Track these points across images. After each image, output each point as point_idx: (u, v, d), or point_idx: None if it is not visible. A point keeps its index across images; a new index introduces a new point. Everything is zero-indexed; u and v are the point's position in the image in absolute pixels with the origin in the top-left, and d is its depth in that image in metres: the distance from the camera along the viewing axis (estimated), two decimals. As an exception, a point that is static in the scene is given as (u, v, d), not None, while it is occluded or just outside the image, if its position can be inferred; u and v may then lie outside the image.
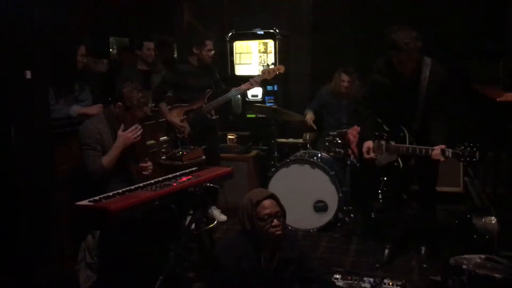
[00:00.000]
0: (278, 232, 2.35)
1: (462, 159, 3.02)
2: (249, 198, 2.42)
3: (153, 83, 4.66)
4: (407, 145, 3.29)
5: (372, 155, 3.42)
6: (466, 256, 2.35)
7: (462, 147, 3.02)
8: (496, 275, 1.84)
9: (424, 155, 3.17)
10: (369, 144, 3.44)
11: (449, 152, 3.07)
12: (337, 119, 4.92)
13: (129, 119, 3.22)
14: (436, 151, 3.10)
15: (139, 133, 3.20)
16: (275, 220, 2.35)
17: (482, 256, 2.32)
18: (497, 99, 3.25)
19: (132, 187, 2.96)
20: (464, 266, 2.12)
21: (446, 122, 3.25)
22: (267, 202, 2.39)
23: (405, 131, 3.33)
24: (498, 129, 3.66)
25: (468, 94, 4.64)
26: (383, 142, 3.41)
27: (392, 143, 3.37)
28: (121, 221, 2.69)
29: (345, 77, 4.79)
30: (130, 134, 3.16)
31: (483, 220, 3.20)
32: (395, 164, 3.38)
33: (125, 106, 3.16)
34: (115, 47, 5.93)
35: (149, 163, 3.35)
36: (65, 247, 3.25)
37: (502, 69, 3.74)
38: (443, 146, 3.10)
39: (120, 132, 3.17)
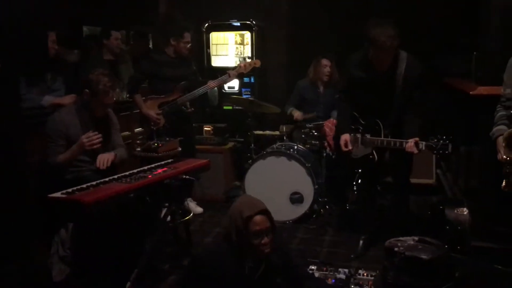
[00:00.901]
0: (267, 250, 2.29)
1: (435, 152, 3.07)
2: (240, 210, 2.29)
3: (121, 74, 4.57)
4: (382, 138, 3.33)
5: (349, 147, 3.44)
6: (401, 238, 2.43)
7: (435, 140, 3.07)
8: (423, 256, 1.89)
9: (399, 147, 3.22)
10: (346, 137, 3.47)
11: (422, 145, 3.12)
12: (316, 110, 4.92)
13: (97, 107, 3.16)
14: (410, 143, 3.14)
15: (95, 141, 3.08)
16: (265, 238, 2.27)
17: (416, 238, 2.39)
18: (470, 93, 3.31)
19: (107, 179, 2.91)
20: (395, 249, 2.18)
21: (420, 115, 3.30)
22: (258, 218, 2.27)
23: (380, 124, 3.37)
24: (470, 123, 3.72)
25: (442, 88, 4.72)
26: (359, 135, 3.44)
27: (368, 136, 3.40)
28: (95, 213, 2.64)
29: (326, 61, 4.76)
30: (85, 139, 3.05)
31: (456, 211, 3.27)
32: (370, 157, 3.42)
33: (92, 92, 3.09)
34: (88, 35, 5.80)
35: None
36: (37, 240, 3.18)
37: (474, 63, 3.80)
38: (417, 139, 3.15)
39: (82, 137, 3.09)
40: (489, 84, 3.20)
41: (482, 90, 3.24)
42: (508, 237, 3.10)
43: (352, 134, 3.46)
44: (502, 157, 2.53)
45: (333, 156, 4.41)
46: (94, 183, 2.82)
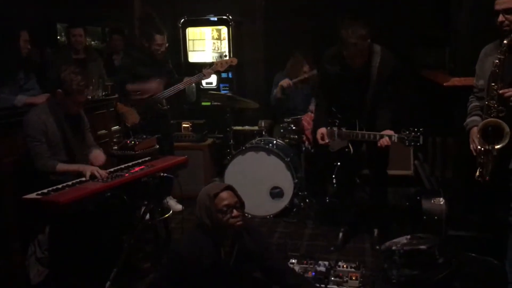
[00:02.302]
0: (238, 223, 2.33)
1: (407, 143, 3.11)
2: (206, 192, 2.37)
3: (90, 72, 4.49)
4: (357, 131, 3.36)
5: (326, 140, 3.47)
6: (394, 240, 2.47)
7: (407, 132, 3.10)
8: (421, 247, 1.94)
9: (373, 140, 3.25)
10: (322, 130, 3.49)
11: (394, 137, 3.16)
12: (294, 105, 4.93)
13: (71, 106, 3.11)
14: (384, 140, 3.19)
15: (97, 175, 2.95)
16: (235, 211, 2.32)
17: (408, 236, 2.45)
18: (444, 84, 3.36)
19: (83, 179, 2.88)
20: (393, 247, 2.23)
21: (393, 108, 3.33)
22: (224, 194, 2.34)
23: (356, 118, 3.40)
24: (445, 114, 3.78)
25: (416, 80, 4.78)
26: (335, 129, 3.47)
27: (344, 129, 3.43)
28: (71, 213, 2.62)
29: (304, 63, 4.76)
30: (96, 173, 2.94)
31: (432, 201, 3.32)
32: (346, 149, 3.46)
33: (65, 92, 3.03)
34: (63, 34, 5.70)
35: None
36: (13, 242, 3.12)
37: (448, 55, 3.86)
38: (389, 132, 3.18)
39: (94, 168, 3.01)
40: (463, 76, 3.25)
41: (455, 81, 3.29)
42: (482, 225, 3.17)
43: (328, 128, 3.49)
44: (475, 148, 2.58)
45: (312, 150, 4.44)
46: (70, 183, 2.80)
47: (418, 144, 3.06)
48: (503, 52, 2.43)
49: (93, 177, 2.91)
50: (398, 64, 3.35)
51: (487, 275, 2.20)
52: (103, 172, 2.96)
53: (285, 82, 4.73)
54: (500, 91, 2.45)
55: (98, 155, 3.21)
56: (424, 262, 1.47)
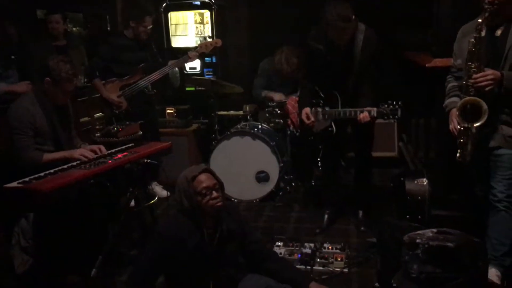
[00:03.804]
0: (218, 204, 2.34)
1: (385, 117, 3.11)
2: (184, 175, 2.38)
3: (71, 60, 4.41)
4: (339, 109, 3.36)
5: (311, 119, 3.48)
6: (419, 232, 2.42)
7: (386, 105, 3.11)
8: (448, 244, 1.89)
9: (354, 117, 3.26)
10: (306, 110, 3.50)
11: (374, 111, 3.16)
12: (278, 89, 4.90)
13: (59, 95, 3.07)
14: (363, 114, 3.20)
15: (90, 157, 2.97)
16: (214, 193, 2.34)
17: (434, 230, 2.39)
18: (426, 65, 3.37)
19: (65, 166, 2.85)
20: (418, 241, 2.17)
21: (375, 87, 3.33)
22: (203, 176, 2.36)
23: (338, 96, 3.40)
24: (428, 96, 3.80)
25: (400, 62, 4.78)
26: (319, 109, 3.47)
27: (327, 108, 3.44)
28: (54, 202, 2.59)
29: (292, 58, 4.71)
30: (87, 154, 2.97)
31: (416, 182, 3.34)
32: (329, 129, 3.46)
33: (54, 80, 2.99)
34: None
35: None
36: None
37: (430, 37, 3.86)
38: (369, 108, 3.20)
39: (82, 149, 3.02)
40: (445, 57, 3.26)
41: (437, 62, 3.30)
42: (464, 205, 3.22)
43: (313, 109, 3.49)
44: (454, 127, 2.60)
45: (297, 134, 4.44)
46: (52, 170, 2.76)
47: (397, 117, 3.06)
48: (478, 30, 2.44)
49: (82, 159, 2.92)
50: (381, 43, 3.34)
51: (468, 252, 2.23)
52: (92, 154, 2.96)
53: (279, 96, 4.68)
54: (471, 81, 2.46)
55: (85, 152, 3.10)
56: (449, 262, 1.44)
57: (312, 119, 3.49)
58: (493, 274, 2.58)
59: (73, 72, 3.03)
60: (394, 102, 3.10)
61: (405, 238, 2.35)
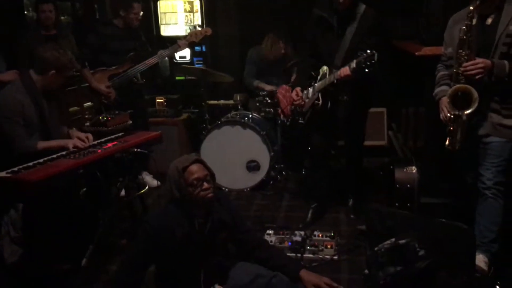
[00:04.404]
0: (209, 195, 2.33)
1: (363, 65, 3.01)
2: (175, 166, 2.35)
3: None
4: (326, 77, 3.34)
5: (300, 95, 3.48)
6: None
7: (363, 54, 3.02)
8: (400, 241, 1.85)
9: (337, 79, 3.20)
10: (297, 89, 3.52)
11: (353, 63, 3.08)
12: (268, 81, 4.89)
13: (56, 84, 3.03)
14: (342, 69, 3.14)
15: (86, 145, 2.99)
16: (205, 184, 2.32)
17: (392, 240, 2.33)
18: (416, 53, 3.37)
19: (54, 156, 2.83)
20: (376, 249, 2.09)
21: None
22: (194, 167, 2.33)
23: (327, 68, 3.38)
24: (417, 84, 3.81)
25: (389, 51, 4.78)
26: (310, 89, 3.47)
27: (316, 84, 3.44)
28: (43, 192, 2.58)
29: (280, 43, 4.69)
30: (79, 144, 2.96)
31: (405, 170, 3.37)
32: (316, 101, 3.43)
33: (57, 71, 2.95)
34: (30, 9, 5.50)
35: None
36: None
37: (421, 25, 3.87)
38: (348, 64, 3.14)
39: (76, 139, 3.01)
40: (435, 45, 3.27)
41: (427, 50, 3.31)
42: (453, 192, 3.25)
43: (304, 91, 3.50)
44: (445, 116, 2.61)
45: (288, 123, 4.43)
46: (41, 160, 2.74)
47: (373, 62, 2.97)
48: (470, 18, 2.44)
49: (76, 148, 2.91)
50: (379, 21, 3.32)
51: (457, 239, 2.27)
52: (85, 144, 2.95)
53: (271, 89, 4.66)
54: (461, 69, 2.47)
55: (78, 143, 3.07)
56: (406, 256, 1.47)
57: (301, 94, 3.49)
58: (481, 260, 2.62)
59: (73, 59, 3.02)
60: (370, 50, 2.99)
61: (367, 255, 2.33)
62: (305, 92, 3.50)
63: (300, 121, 3.67)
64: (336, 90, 3.33)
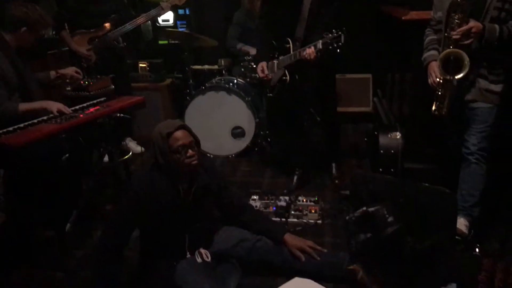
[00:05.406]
0: (194, 162, 2.30)
1: (330, 47, 2.96)
2: (159, 131, 2.30)
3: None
4: (290, 53, 3.31)
5: (265, 73, 3.45)
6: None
7: (329, 34, 2.97)
8: (369, 209, 1.86)
9: (303, 57, 3.13)
10: (263, 64, 3.48)
11: (319, 44, 3.03)
12: (254, 43, 4.82)
13: (26, 42, 2.93)
14: (308, 49, 3.08)
15: (65, 111, 2.88)
16: (190, 151, 2.28)
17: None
18: (403, 18, 3.33)
19: (35, 121, 2.76)
20: (347, 218, 2.10)
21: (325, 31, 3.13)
22: (178, 134, 2.28)
23: (290, 42, 3.34)
24: (404, 50, 3.79)
25: (376, 16, 4.73)
26: (275, 61, 3.43)
27: (281, 57, 3.40)
28: (25, 157, 2.53)
29: (256, 3, 4.63)
30: (63, 109, 2.86)
31: (389, 136, 3.39)
32: (284, 78, 3.40)
33: (29, 28, 2.86)
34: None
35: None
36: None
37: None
38: (314, 43, 3.08)
39: (59, 104, 2.90)
40: (422, 10, 3.23)
41: (414, 15, 3.26)
42: (437, 158, 3.29)
43: (269, 62, 3.46)
44: (434, 80, 2.61)
45: (270, 95, 4.38)
46: (21, 125, 2.68)
47: (340, 44, 2.90)
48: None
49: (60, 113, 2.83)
50: None
51: (439, 203, 2.30)
52: (69, 110, 2.88)
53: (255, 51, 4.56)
54: (453, 33, 2.44)
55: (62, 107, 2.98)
56: (375, 223, 1.49)
57: (266, 71, 3.46)
58: (462, 223, 2.67)
59: (43, 14, 2.92)
60: (337, 29, 2.92)
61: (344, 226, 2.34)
62: (269, 63, 3.47)
63: (269, 94, 3.67)
64: (302, 65, 3.28)
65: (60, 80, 3.19)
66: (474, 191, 2.66)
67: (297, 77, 3.41)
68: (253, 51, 4.64)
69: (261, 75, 3.49)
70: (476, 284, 1.29)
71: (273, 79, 3.50)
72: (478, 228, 2.73)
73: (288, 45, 3.34)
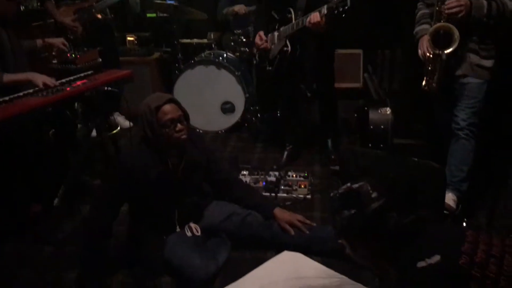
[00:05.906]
0: (183, 136, 2.28)
1: (336, 12, 2.90)
2: (147, 104, 2.25)
3: None
4: (293, 22, 3.24)
5: (263, 40, 3.40)
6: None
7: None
8: (353, 185, 1.85)
9: (307, 25, 3.07)
10: (260, 33, 3.43)
11: (323, 9, 2.97)
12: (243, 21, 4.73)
13: (4, 10, 2.84)
14: (313, 14, 3.00)
15: (51, 84, 2.80)
16: (179, 125, 2.25)
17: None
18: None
19: (21, 94, 2.71)
20: (331, 194, 2.09)
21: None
22: (167, 107, 2.24)
23: (292, 11, 3.28)
24: (394, 26, 3.76)
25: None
26: (275, 33, 3.38)
27: (282, 28, 3.35)
28: (10, 131, 2.49)
29: None
30: (49, 82, 2.79)
31: (379, 111, 3.38)
32: (285, 48, 3.34)
33: None
34: None
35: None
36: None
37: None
38: (319, 9, 3.01)
39: (44, 76, 2.82)
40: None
41: (406, -11, 3.22)
42: (427, 133, 3.30)
43: (269, 34, 3.40)
44: (423, 53, 2.59)
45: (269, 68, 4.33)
46: (7, 98, 2.62)
47: (346, 8, 2.83)
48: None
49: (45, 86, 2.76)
50: None
51: (428, 178, 2.31)
52: (55, 82, 2.81)
53: (240, 8, 4.47)
54: (445, 7, 2.42)
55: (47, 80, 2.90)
56: (359, 200, 1.50)
57: (265, 38, 3.41)
58: (450, 198, 2.70)
59: None
60: None
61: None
62: (269, 35, 3.41)
63: (268, 68, 3.56)
64: (305, 36, 3.23)
65: (47, 50, 3.11)
66: (463, 166, 2.68)
67: (298, 47, 3.33)
68: (237, 7, 4.51)
69: (259, 43, 3.42)
70: (460, 255, 1.31)
71: (272, 51, 3.43)
72: (466, 203, 2.76)
73: (289, 15, 3.27)
